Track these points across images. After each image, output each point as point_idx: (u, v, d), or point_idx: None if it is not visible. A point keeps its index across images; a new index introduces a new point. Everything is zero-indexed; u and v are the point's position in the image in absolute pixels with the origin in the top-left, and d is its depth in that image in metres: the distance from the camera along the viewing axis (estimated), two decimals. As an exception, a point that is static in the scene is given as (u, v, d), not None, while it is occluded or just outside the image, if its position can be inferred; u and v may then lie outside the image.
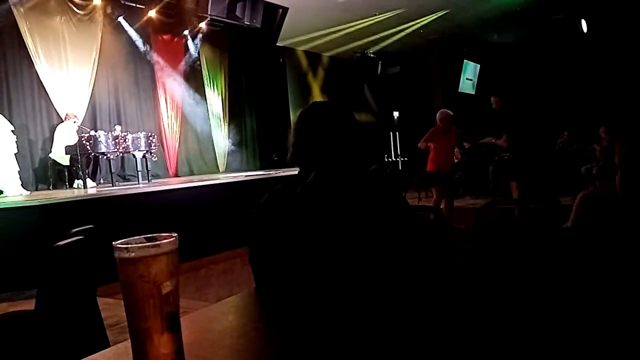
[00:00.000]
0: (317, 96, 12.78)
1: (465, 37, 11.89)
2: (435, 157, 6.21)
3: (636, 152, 1.42)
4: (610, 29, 10.32)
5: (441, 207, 6.02)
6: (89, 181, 7.20)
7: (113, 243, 0.70)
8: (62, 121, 7.51)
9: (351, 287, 1.22)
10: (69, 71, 7.94)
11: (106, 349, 0.97)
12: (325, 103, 1.47)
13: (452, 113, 6.30)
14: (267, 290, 1.35)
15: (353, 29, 10.90)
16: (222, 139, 10.63)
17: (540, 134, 6.88)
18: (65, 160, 7.28)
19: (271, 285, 1.33)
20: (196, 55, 10.06)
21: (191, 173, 9.88)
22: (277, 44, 10.88)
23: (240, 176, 7.97)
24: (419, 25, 10.98)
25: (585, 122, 9.61)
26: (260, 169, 10.92)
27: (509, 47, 11.89)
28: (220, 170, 10.46)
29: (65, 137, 7.29)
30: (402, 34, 11.48)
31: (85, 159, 7.16)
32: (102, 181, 7.99)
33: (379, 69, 13.36)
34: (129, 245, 0.69)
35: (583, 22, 10.28)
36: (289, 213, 1.32)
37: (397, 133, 13.86)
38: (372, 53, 12.87)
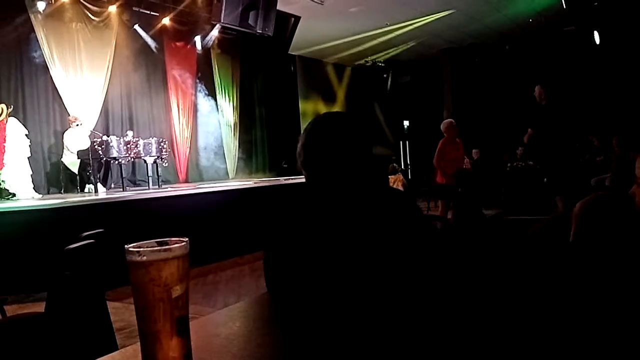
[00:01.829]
0: (327, 105, 12.81)
1: (477, 47, 11.88)
2: (445, 169, 6.18)
3: None
4: (623, 40, 10.26)
5: (449, 217, 6.00)
6: (99, 186, 7.26)
7: (125, 246, 0.71)
8: (69, 126, 7.57)
9: (361, 294, 1.22)
10: (83, 76, 8.04)
11: (115, 352, 0.97)
12: (332, 114, 1.49)
13: (454, 121, 6.30)
14: (277, 291, 1.36)
15: (364, 38, 10.95)
16: (232, 146, 10.69)
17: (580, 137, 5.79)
18: (74, 166, 7.34)
19: (282, 287, 1.34)
20: (209, 62, 10.16)
21: (201, 179, 9.93)
22: (289, 52, 10.95)
23: (250, 183, 8.00)
24: (429, 36, 10.99)
25: (596, 133, 9.53)
26: (270, 176, 10.95)
27: (520, 58, 11.86)
28: (230, 177, 10.50)
29: (72, 142, 7.35)
30: (413, 43, 11.50)
31: (97, 164, 7.22)
32: (113, 186, 8.05)
33: (389, 82, 13.36)
34: (141, 249, 0.70)
35: (596, 34, 10.23)
36: (301, 221, 1.34)
37: (407, 142, 13.86)
38: (382, 62, 12.90)
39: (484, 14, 9.83)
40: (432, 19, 9.94)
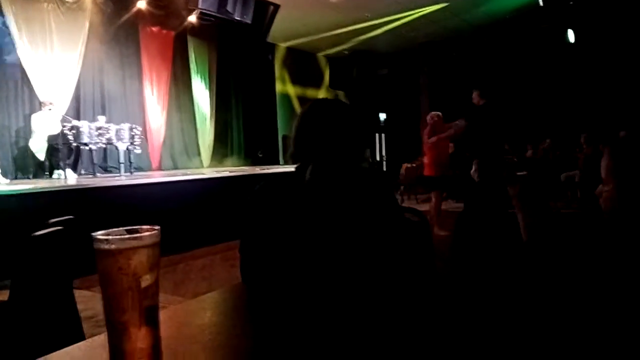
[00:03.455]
0: (305, 95, 12.76)
1: (454, 41, 11.98)
2: (433, 160, 6.20)
3: (623, 163, 1.45)
4: (597, 39, 10.50)
5: (436, 209, 6.05)
6: (69, 172, 7.09)
7: (93, 234, 0.69)
8: (41, 109, 7.34)
9: (335, 286, 1.22)
10: (54, 60, 7.79)
11: (82, 342, 0.95)
12: (329, 100, 1.46)
13: (440, 114, 6.35)
14: (251, 280, 1.35)
15: (343, 29, 10.93)
16: (207, 134, 10.56)
17: (511, 138, 6.20)
18: (41, 152, 7.14)
19: (256, 276, 1.33)
20: (185, 48, 9.99)
21: (175, 167, 9.79)
22: (267, 41, 10.85)
23: (225, 172, 7.92)
24: (408, 29, 11.03)
25: (568, 130, 9.76)
26: (245, 165, 10.88)
27: (496, 54, 12.02)
28: (205, 165, 10.39)
29: (42, 126, 7.14)
30: (391, 35, 11.51)
31: (67, 149, 7.05)
32: (83, 172, 7.88)
33: (355, 71, 13.32)
34: (110, 237, 0.68)
35: (570, 32, 10.44)
36: (283, 209, 1.32)
37: (383, 135, 13.93)
38: (347, 51, 12.83)
39: (463, 9, 9.91)
40: (414, 14, 10.00)
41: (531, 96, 11.62)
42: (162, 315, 0.74)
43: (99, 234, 0.69)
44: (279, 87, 12.18)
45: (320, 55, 13.23)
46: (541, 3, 9.02)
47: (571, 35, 10.45)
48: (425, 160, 6.40)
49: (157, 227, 0.71)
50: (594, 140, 7.70)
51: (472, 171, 5.34)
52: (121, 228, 0.70)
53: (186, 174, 7.25)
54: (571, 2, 9.17)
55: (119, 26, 8.66)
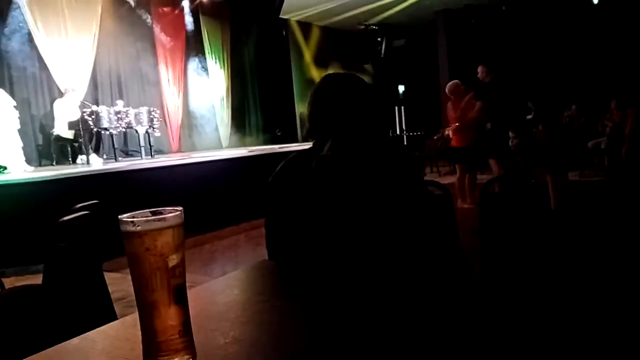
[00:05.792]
0: (320, 70, 12.62)
1: (473, 8, 11.64)
2: (457, 131, 6.08)
3: None
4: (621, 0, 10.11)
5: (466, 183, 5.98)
6: (92, 156, 7.20)
7: (119, 217, 0.70)
8: (62, 96, 7.44)
9: (361, 262, 1.22)
10: (69, 45, 7.84)
11: (114, 322, 0.98)
12: (340, 74, 1.44)
13: (459, 82, 6.18)
14: (278, 257, 1.36)
15: (357, 1, 10.71)
16: (224, 113, 10.59)
17: (521, 108, 6.31)
18: (70, 134, 7.27)
19: (283, 253, 1.35)
20: (198, 27, 9.96)
21: (194, 148, 9.87)
22: (281, 16, 10.72)
23: (243, 151, 7.96)
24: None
25: (594, 96, 9.46)
26: (263, 143, 10.89)
27: (517, 19, 11.66)
28: (223, 146, 10.45)
29: (65, 111, 7.24)
30: (407, 3, 11.23)
31: (88, 135, 7.15)
32: (105, 157, 8.00)
33: (383, 46, 13.08)
34: (135, 219, 0.70)
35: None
36: (305, 184, 1.32)
37: (403, 107, 13.76)
38: (375, 25, 12.61)
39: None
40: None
41: (556, 61, 11.29)
42: (189, 294, 0.75)
43: (125, 217, 0.70)
44: (300, 65, 12.03)
45: (335, 29, 13.01)
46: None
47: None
48: (452, 131, 6.25)
49: (179, 208, 0.72)
50: (624, 105, 7.43)
51: (510, 142, 5.40)
52: (146, 210, 0.71)
53: (206, 155, 7.29)
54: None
55: (131, 8, 8.65)
